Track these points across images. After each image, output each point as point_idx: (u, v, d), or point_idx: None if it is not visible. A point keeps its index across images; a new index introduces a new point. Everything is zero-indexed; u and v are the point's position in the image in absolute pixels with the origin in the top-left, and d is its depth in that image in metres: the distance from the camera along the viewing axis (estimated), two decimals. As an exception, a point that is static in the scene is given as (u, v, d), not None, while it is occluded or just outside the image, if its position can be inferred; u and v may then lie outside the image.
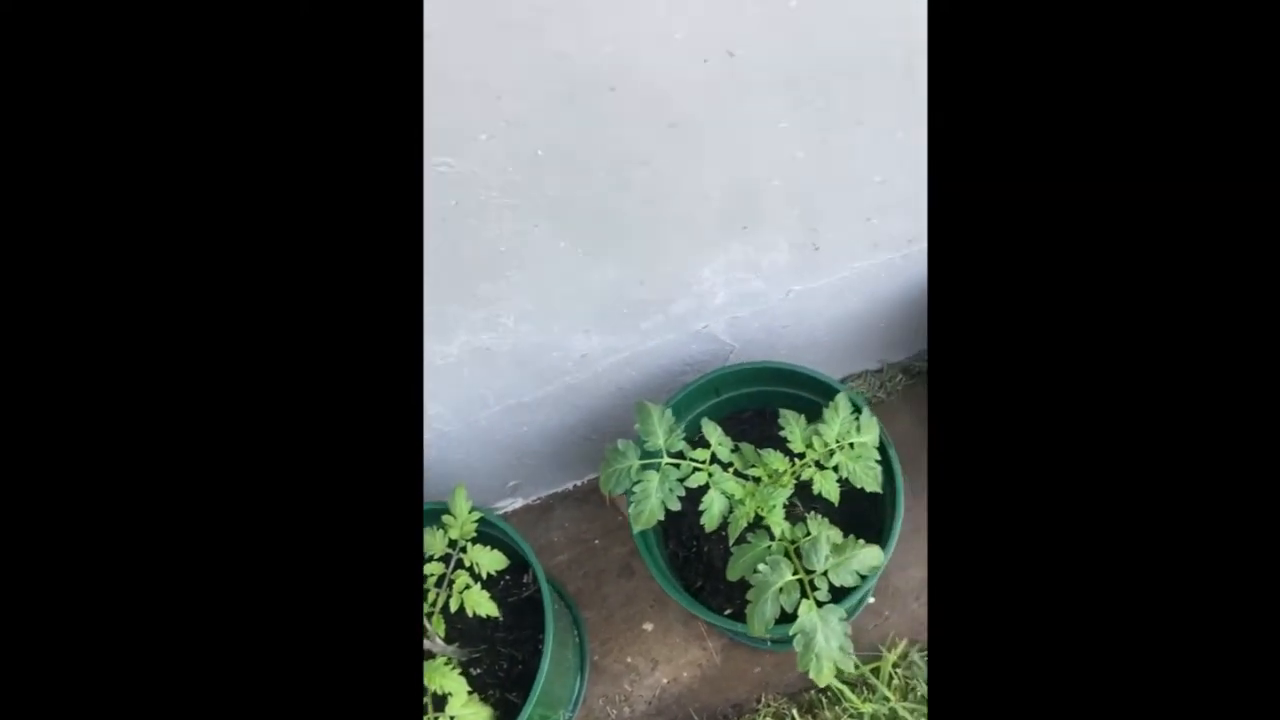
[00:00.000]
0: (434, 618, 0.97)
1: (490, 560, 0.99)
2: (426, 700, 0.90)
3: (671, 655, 1.20)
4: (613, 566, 1.30)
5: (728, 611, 1.00)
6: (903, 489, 0.97)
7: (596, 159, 0.78)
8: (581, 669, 1.21)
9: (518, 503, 1.39)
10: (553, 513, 1.37)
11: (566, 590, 1.29)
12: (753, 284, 1.05)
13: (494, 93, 0.68)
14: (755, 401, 1.15)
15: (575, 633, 1.21)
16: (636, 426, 0.95)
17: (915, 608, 1.19)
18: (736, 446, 0.96)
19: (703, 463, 0.92)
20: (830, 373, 1.35)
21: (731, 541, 0.90)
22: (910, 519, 1.26)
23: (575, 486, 1.39)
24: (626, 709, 1.18)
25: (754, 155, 0.85)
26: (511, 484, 1.33)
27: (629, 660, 1.21)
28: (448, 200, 0.76)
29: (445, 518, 1.02)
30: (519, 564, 1.11)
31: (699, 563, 1.07)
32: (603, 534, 1.33)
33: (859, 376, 1.38)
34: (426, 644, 0.97)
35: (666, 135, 0.77)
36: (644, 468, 0.92)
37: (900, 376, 1.38)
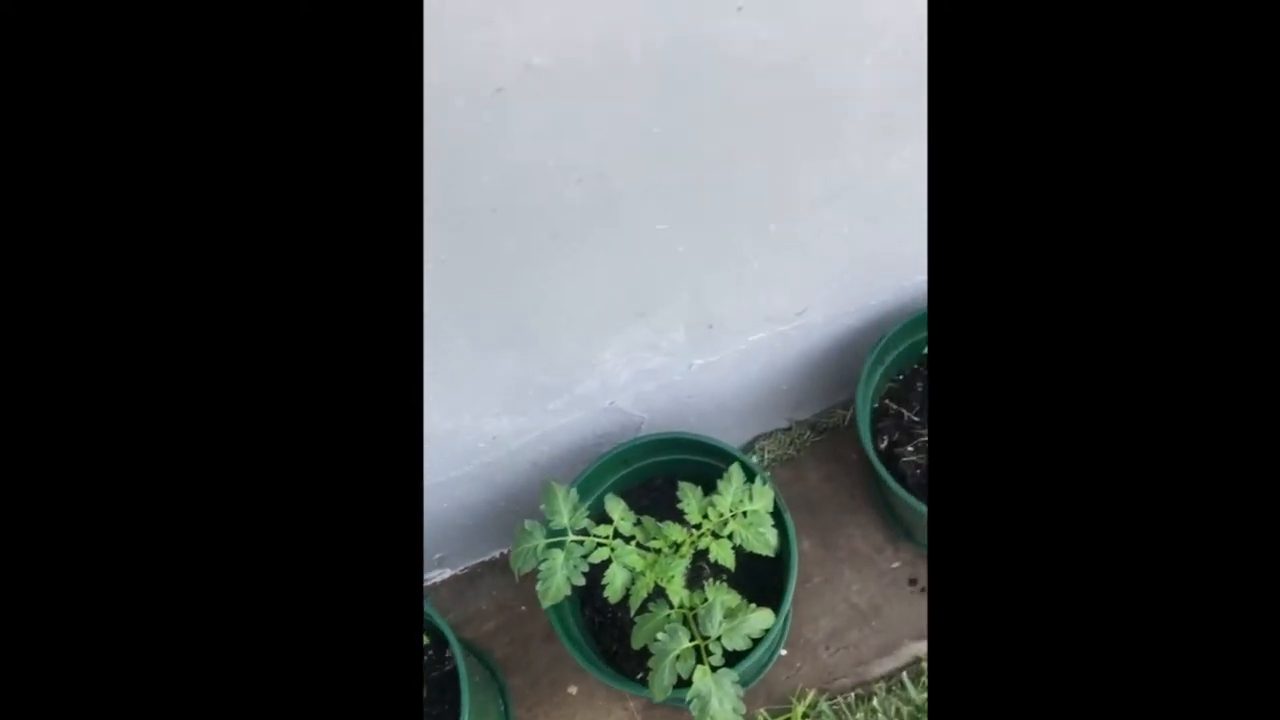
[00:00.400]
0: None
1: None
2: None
3: (594, 717, 1.24)
4: (538, 632, 1.34)
5: (640, 676, 1.05)
6: (796, 550, 1.03)
7: (486, 267, 0.84)
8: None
9: (446, 573, 1.42)
10: (480, 581, 1.41)
11: (493, 657, 1.32)
12: (654, 361, 1.12)
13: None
14: (665, 469, 1.21)
15: (500, 701, 1.25)
16: (542, 507, 1.00)
17: (825, 657, 1.25)
18: (639, 519, 1.02)
19: (605, 538, 0.98)
20: (742, 433, 1.43)
21: (633, 612, 0.95)
22: (821, 570, 1.33)
23: (501, 554, 1.43)
24: (551, 776, 1.21)
25: (639, 253, 0.92)
26: (438, 556, 1.37)
27: (552, 724, 1.25)
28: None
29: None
30: (441, 640, 1.14)
31: (614, 628, 1.12)
32: (528, 600, 1.37)
33: (769, 436, 1.45)
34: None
35: (549, 245, 0.84)
36: (550, 546, 0.97)
37: (808, 433, 1.46)
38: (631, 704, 1.25)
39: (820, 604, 1.29)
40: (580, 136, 0.75)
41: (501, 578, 1.40)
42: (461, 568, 1.42)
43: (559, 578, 0.95)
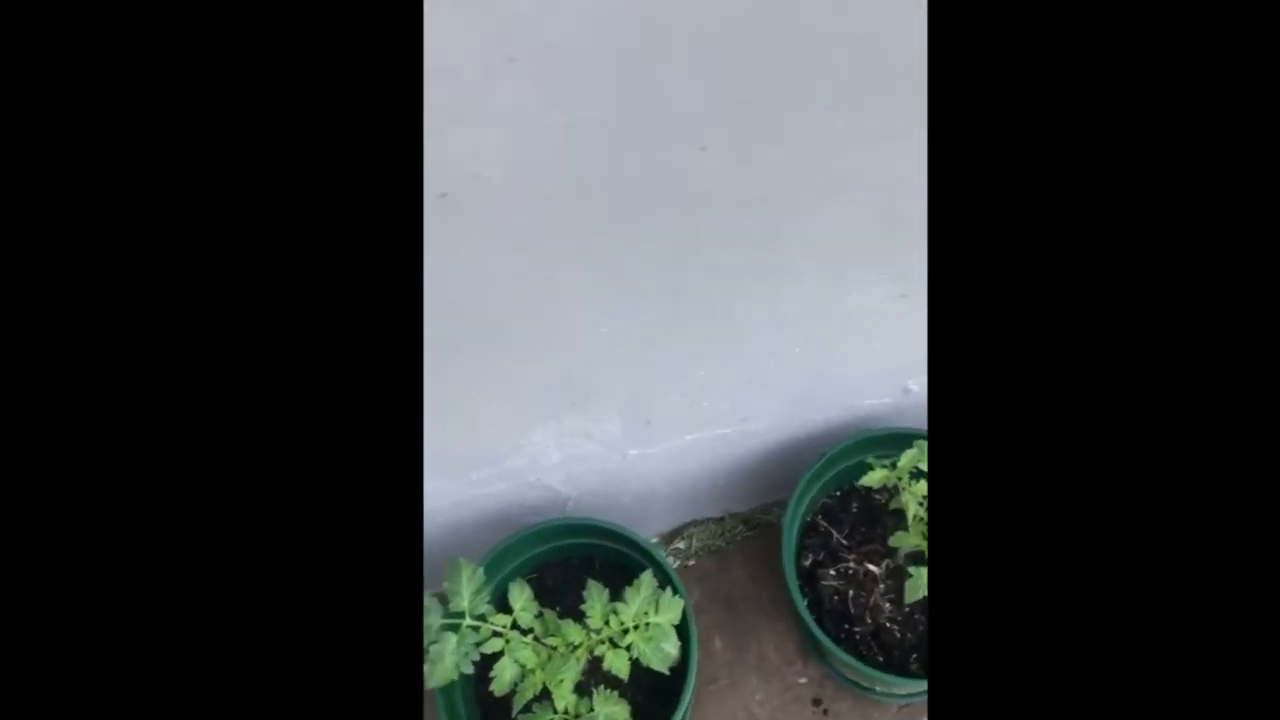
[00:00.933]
0: None
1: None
2: None
3: (474, 794, 1.21)
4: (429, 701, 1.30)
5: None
6: (695, 666, 1.02)
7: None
8: None
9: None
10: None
11: None
12: (587, 447, 1.10)
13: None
14: (583, 551, 1.19)
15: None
16: (445, 584, 0.98)
17: (718, 766, 1.23)
18: (541, 612, 0.99)
19: (503, 628, 0.96)
20: (673, 517, 1.42)
21: (515, 711, 0.93)
22: (728, 673, 1.31)
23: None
24: None
25: (577, 349, 0.91)
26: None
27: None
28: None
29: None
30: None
31: (506, 712, 1.10)
32: (431, 655, 1.34)
33: (700, 524, 1.44)
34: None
35: (487, 330, 0.83)
36: (444, 628, 0.94)
37: (740, 527, 1.44)
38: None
39: (722, 709, 1.27)
40: (530, 244, 0.74)
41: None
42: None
43: (448, 663, 0.92)
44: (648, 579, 0.99)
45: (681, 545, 1.43)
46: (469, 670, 0.93)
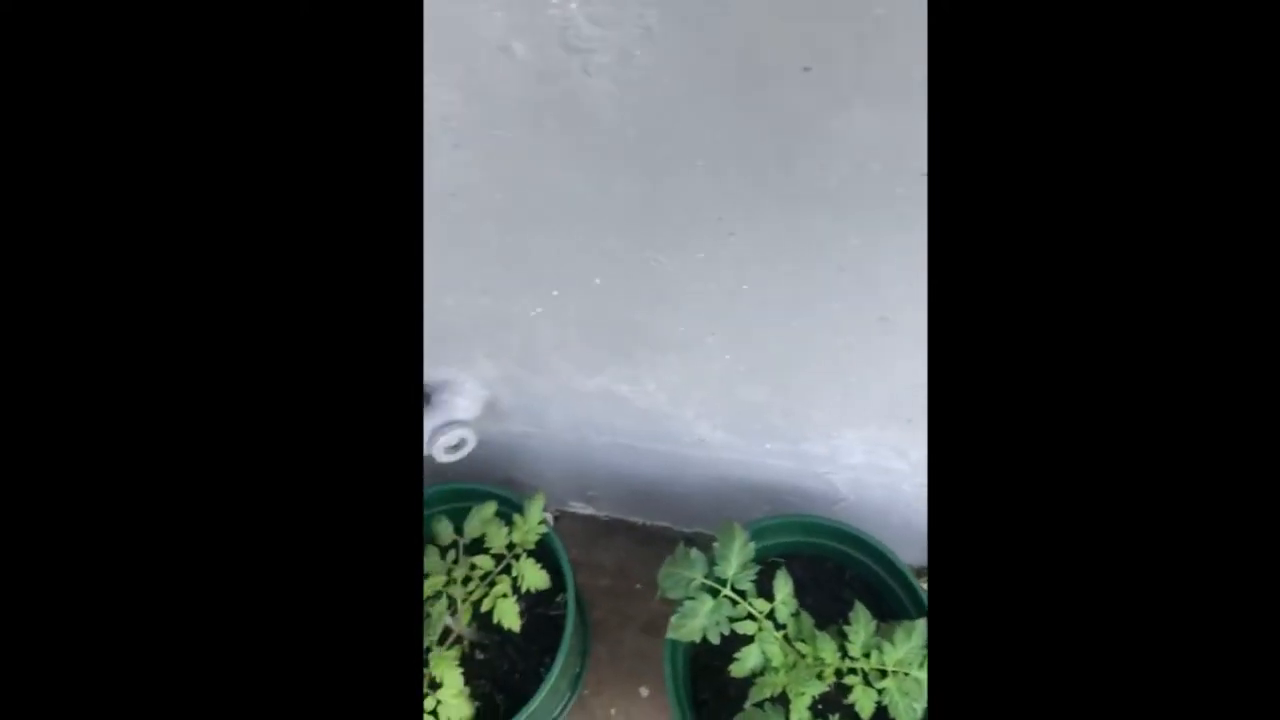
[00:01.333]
0: (467, 605, 1.03)
1: (535, 579, 1.04)
2: (426, 681, 0.96)
3: (651, 729, 1.23)
4: (640, 618, 1.32)
5: (715, 741, 1.00)
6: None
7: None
8: (571, 694, 1.25)
9: (588, 509, 1.43)
10: (614, 535, 1.41)
11: (590, 614, 1.32)
12: (893, 464, 1.01)
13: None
14: (841, 559, 1.12)
15: (579, 665, 1.26)
16: (716, 545, 0.95)
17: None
18: (799, 611, 0.94)
19: (760, 614, 0.92)
20: (923, 555, 1.30)
21: (749, 702, 0.89)
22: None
23: (643, 524, 1.41)
24: (589, 754, 1.22)
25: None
26: (590, 493, 1.37)
27: (612, 712, 1.24)
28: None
29: (516, 518, 1.07)
30: (559, 582, 1.15)
31: (719, 678, 1.08)
32: (647, 582, 1.36)
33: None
34: (449, 621, 1.03)
35: (868, 327, 0.75)
36: (703, 588, 0.92)
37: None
38: (689, 740, 1.22)
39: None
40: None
41: (634, 544, 1.39)
42: (605, 514, 1.43)
43: (698, 623, 0.90)
44: (921, 628, 0.91)
45: (924, 585, 1.32)
46: (715, 640, 0.91)
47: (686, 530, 1.40)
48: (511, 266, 0.79)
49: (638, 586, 1.36)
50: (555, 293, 0.83)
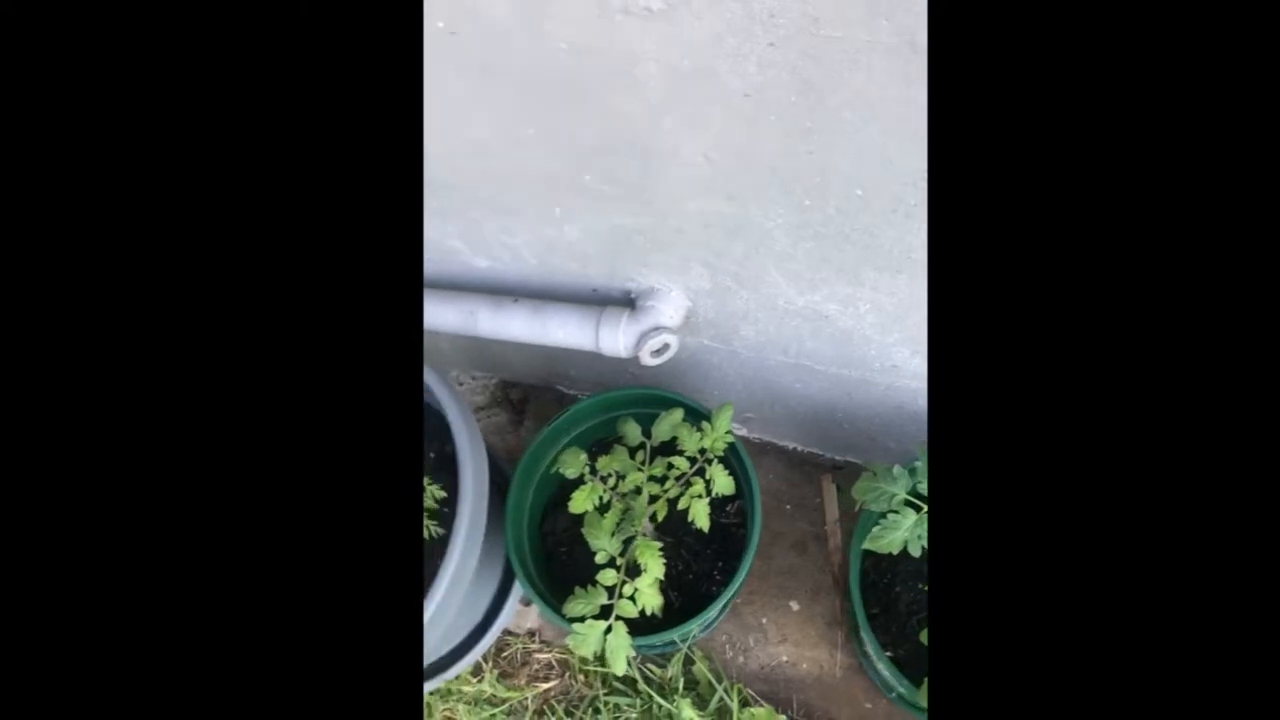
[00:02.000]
0: (660, 503, 1.08)
1: (724, 484, 1.08)
2: (624, 569, 1.02)
3: (801, 641, 1.28)
4: (790, 536, 1.37)
5: (889, 653, 1.05)
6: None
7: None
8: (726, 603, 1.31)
9: (742, 430, 1.47)
10: (765, 458, 1.45)
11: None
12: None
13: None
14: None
15: (737, 572, 1.31)
16: (918, 462, 0.98)
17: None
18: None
19: (960, 532, 0.95)
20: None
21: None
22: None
23: (795, 449, 1.45)
24: (741, 659, 1.28)
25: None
26: (748, 414, 1.41)
27: (763, 621, 1.30)
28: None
29: (704, 424, 1.12)
30: (738, 490, 1.19)
31: (886, 596, 1.12)
32: (796, 503, 1.40)
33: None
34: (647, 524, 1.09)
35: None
36: (907, 504, 0.95)
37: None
38: (839, 656, 1.27)
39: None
40: None
41: (785, 468, 1.43)
42: (757, 436, 1.46)
43: (899, 535, 0.94)
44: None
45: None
46: (915, 553, 0.95)
47: (838, 458, 1.43)
48: (778, 170, 0.81)
49: (787, 508, 1.40)
50: (807, 202, 0.85)
